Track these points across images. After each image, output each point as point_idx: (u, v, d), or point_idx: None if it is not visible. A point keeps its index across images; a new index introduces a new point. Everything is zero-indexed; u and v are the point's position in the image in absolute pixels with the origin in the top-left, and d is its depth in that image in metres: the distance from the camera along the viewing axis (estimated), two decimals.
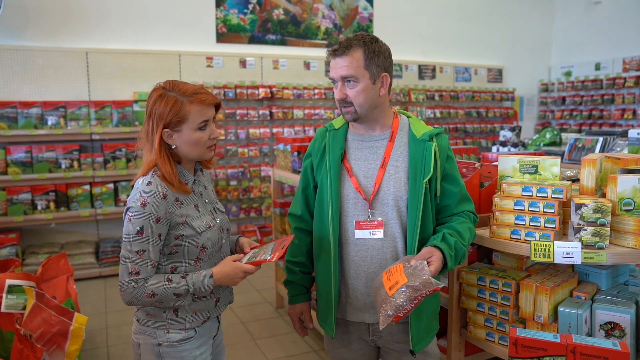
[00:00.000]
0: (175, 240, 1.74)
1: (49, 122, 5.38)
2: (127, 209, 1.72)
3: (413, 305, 1.59)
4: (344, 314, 1.98)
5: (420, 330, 1.88)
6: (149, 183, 1.72)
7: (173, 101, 1.71)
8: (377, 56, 1.81)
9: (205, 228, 1.80)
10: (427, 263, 1.68)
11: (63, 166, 5.40)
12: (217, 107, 1.83)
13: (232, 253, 2.01)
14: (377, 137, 1.93)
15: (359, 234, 1.88)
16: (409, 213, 1.84)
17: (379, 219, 1.86)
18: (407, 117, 1.99)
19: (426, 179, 1.81)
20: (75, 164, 5.46)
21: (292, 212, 2.13)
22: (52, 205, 5.35)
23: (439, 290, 1.96)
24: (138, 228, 1.67)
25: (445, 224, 1.91)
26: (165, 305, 1.73)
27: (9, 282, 2.81)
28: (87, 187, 5.53)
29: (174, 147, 1.77)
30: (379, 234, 1.86)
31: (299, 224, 2.10)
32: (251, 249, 1.93)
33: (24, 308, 2.76)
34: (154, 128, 1.73)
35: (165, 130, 1.73)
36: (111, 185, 5.62)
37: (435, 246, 1.75)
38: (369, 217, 1.87)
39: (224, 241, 1.91)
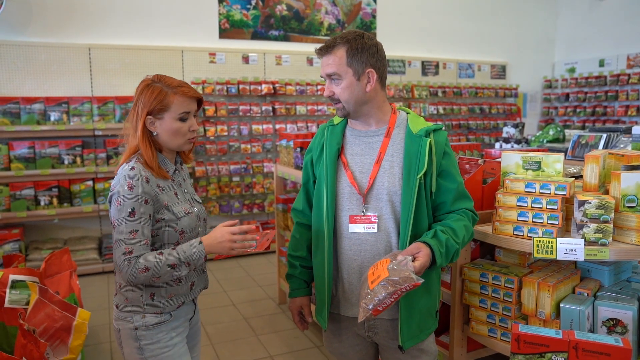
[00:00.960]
0: (156, 223, 1.85)
1: (52, 118, 5.38)
2: (113, 195, 1.81)
3: (393, 300, 1.60)
4: (339, 309, 2.00)
5: (412, 328, 1.88)
6: (132, 168, 1.83)
7: (158, 91, 1.84)
8: (361, 53, 1.84)
9: (184, 214, 1.91)
10: (414, 258, 1.68)
11: (66, 162, 5.41)
12: (200, 102, 1.95)
13: None
14: (373, 133, 1.95)
15: (353, 228, 1.90)
16: (402, 208, 1.84)
17: (373, 213, 1.88)
18: (407, 113, 2.00)
19: (420, 174, 1.82)
20: (78, 159, 5.47)
21: (294, 207, 2.18)
22: (55, 201, 5.37)
23: (435, 289, 1.97)
24: (130, 210, 1.77)
25: (441, 221, 1.91)
26: (165, 279, 1.80)
27: (12, 277, 2.83)
28: (90, 183, 5.54)
29: (155, 134, 1.89)
30: (373, 228, 1.88)
31: (301, 219, 2.14)
32: None
33: (28, 303, 2.78)
34: (139, 114, 1.86)
35: (149, 117, 1.85)
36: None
37: (424, 242, 1.75)
38: (363, 211, 1.89)
39: (200, 229, 2.01)
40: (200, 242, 1.83)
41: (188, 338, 2.06)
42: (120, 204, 1.78)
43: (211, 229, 2.12)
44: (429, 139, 1.85)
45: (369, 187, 1.89)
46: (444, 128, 1.96)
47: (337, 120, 2.04)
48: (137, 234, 1.77)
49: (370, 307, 1.61)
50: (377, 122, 1.95)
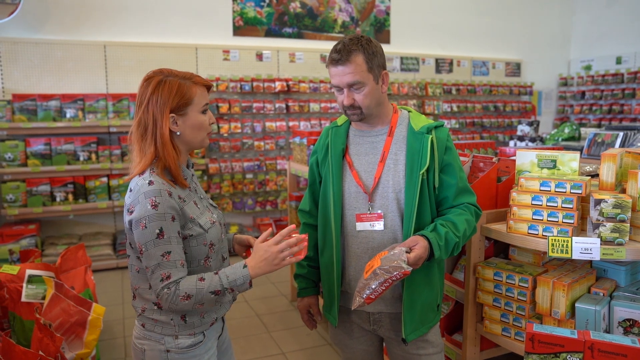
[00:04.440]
0: (184, 240, 1.66)
1: (68, 115, 5.44)
2: (135, 217, 1.60)
3: (384, 289, 1.65)
4: (346, 303, 2.03)
5: (414, 321, 1.90)
6: (151, 182, 1.61)
7: (177, 84, 1.64)
8: (376, 56, 1.84)
9: (210, 224, 1.74)
10: (410, 250, 1.71)
11: (81, 158, 5.47)
12: (208, 91, 1.78)
13: (229, 251, 1.95)
14: (376, 132, 1.97)
15: (360, 226, 1.93)
16: (406, 204, 1.87)
17: (379, 211, 1.90)
18: (408, 111, 2.02)
19: (422, 170, 1.84)
20: (93, 156, 5.52)
21: (301, 208, 2.20)
22: (70, 197, 5.42)
23: (437, 283, 1.99)
24: (157, 231, 1.57)
25: (444, 215, 1.92)
26: (208, 307, 1.66)
27: (29, 272, 2.86)
28: (105, 179, 5.59)
29: (178, 134, 1.68)
30: (379, 226, 1.90)
31: (308, 219, 2.17)
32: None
33: (44, 298, 2.81)
34: (159, 116, 1.63)
35: (171, 115, 1.64)
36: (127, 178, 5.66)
37: (422, 235, 1.77)
38: (369, 210, 1.92)
39: (223, 236, 1.85)
40: (245, 266, 1.63)
41: (219, 355, 1.93)
42: (146, 226, 1.57)
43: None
44: (431, 136, 1.87)
45: (374, 186, 1.91)
46: (446, 125, 1.96)
47: (340, 121, 2.06)
48: (171, 256, 1.58)
49: (364, 296, 1.68)
50: (381, 121, 1.97)
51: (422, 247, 1.72)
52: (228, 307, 1.89)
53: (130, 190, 1.65)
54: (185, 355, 1.71)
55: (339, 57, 1.81)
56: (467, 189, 1.95)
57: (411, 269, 1.64)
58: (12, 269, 2.84)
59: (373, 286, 1.66)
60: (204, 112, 1.71)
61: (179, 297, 1.57)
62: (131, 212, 1.62)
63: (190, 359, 1.72)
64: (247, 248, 1.92)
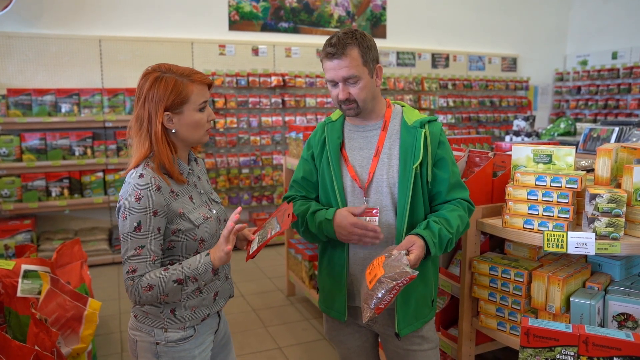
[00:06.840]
0: (172, 235, 1.68)
1: (63, 110, 5.41)
2: (121, 207, 1.64)
3: (392, 296, 1.63)
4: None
5: (408, 316, 1.91)
6: (141, 176, 1.65)
7: (173, 82, 1.65)
8: (370, 50, 1.85)
9: (203, 220, 1.74)
10: (408, 252, 1.70)
11: (77, 153, 5.45)
12: (209, 88, 1.79)
13: None
14: (370, 127, 1.97)
15: None
16: (399, 198, 1.87)
17: (375, 206, 1.91)
18: (402, 106, 2.02)
19: (416, 164, 1.84)
20: (89, 151, 5.50)
21: (288, 195, 2.13)
22: (66, 192, 5.41)
23: (432, 278, 1.99)
24: (135, 224, 1.60)
25: (437, 211, 1.92)
26: (172, 298, 1.64)
27: (24, 267, 2.85)
28: (101, 174, 5.57)
29: (173, 131, 1.70)
30: (374, 220, 1.89)
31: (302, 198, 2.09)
32: (253, 233, 1.81)
33: (40, 293, 2.80)
34: (153, 113, 1.66)
35: (166, 113, 1.66)
36: (124, 173, 5.65)
37: (417, 234, 1.77)
38: (365, 204, 1.91)
39: (221, 232, 1.80)
40: (207, 254, 1.63)
41: (214, 353, 1.93)
42: (126, 218, 1.61)
43: None
44: (424, 130, 1.88)
45: (369, 181, 1.92)
46: (442, 119, 1.96)
47: (335, 116, 2.06)
48: (143, 251, 1.60)
49: (372, 306, 1.66)
50: (375, 116, 1.97)
51: (420, 247, 1.73)
52: (223, 303, 1.88)
53: (125, 183, 1.70)
54: (174, 348, 1.73)
55: (334, 50, 1.80)
56: (460, 183, 1.95)
57: (417, 273, 1.62)
58: (8, 264, 2.83)
59: (380, 295, 1.63)
60: (201, 109, 1.72)
61: (142, 289, 1.59)
62: (119, 203, 1.67)
63: (180, 353, 1.73)
64: (248, 241, 1.88)
